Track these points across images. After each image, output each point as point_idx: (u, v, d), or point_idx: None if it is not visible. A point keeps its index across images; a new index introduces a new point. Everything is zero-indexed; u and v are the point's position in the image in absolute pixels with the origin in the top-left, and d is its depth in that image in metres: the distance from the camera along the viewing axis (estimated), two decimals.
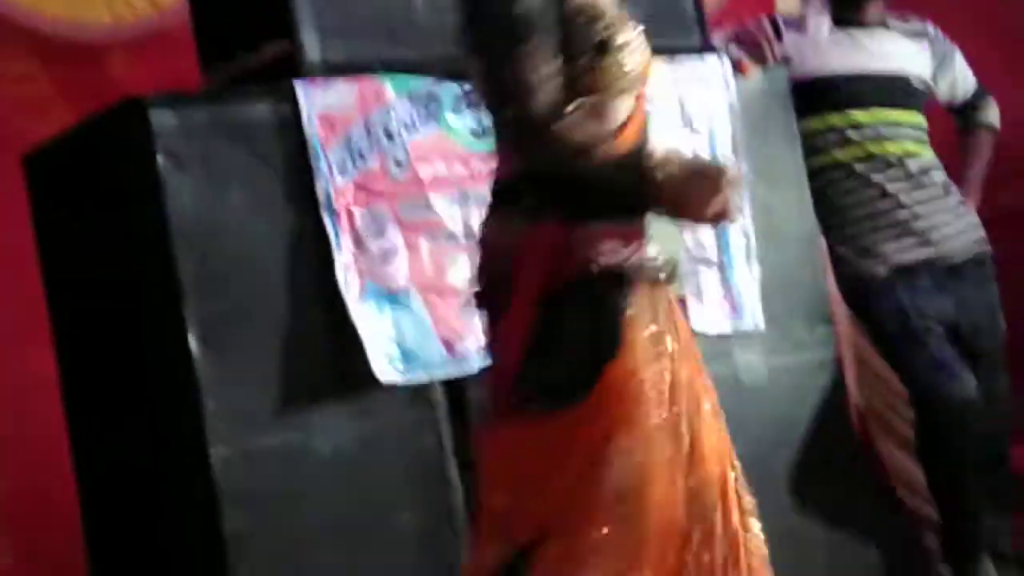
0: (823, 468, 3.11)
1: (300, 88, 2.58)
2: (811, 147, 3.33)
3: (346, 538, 2.61)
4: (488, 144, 2.49)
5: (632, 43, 2.13)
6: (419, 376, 2.61)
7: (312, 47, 2.65)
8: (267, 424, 2.56)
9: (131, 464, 2.85)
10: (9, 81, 3.57)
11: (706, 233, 3.02)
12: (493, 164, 2.30)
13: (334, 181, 2.59)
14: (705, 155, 3.02)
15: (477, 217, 2.64)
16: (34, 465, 3.56)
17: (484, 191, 2.48)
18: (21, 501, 3.67)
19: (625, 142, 2.13)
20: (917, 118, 3.49)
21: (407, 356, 2.61)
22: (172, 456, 2.65)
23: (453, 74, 2.68)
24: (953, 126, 3.81)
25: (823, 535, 3.11)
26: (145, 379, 2.71)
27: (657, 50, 2.40)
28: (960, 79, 3.69)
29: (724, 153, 3.07)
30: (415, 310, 2.63)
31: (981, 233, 3.49)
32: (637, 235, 2.09)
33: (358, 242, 2.62)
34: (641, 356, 2.03)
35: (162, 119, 2.54)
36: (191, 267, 2.53)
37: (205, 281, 2.54)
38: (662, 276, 2.12)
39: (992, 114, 3.72)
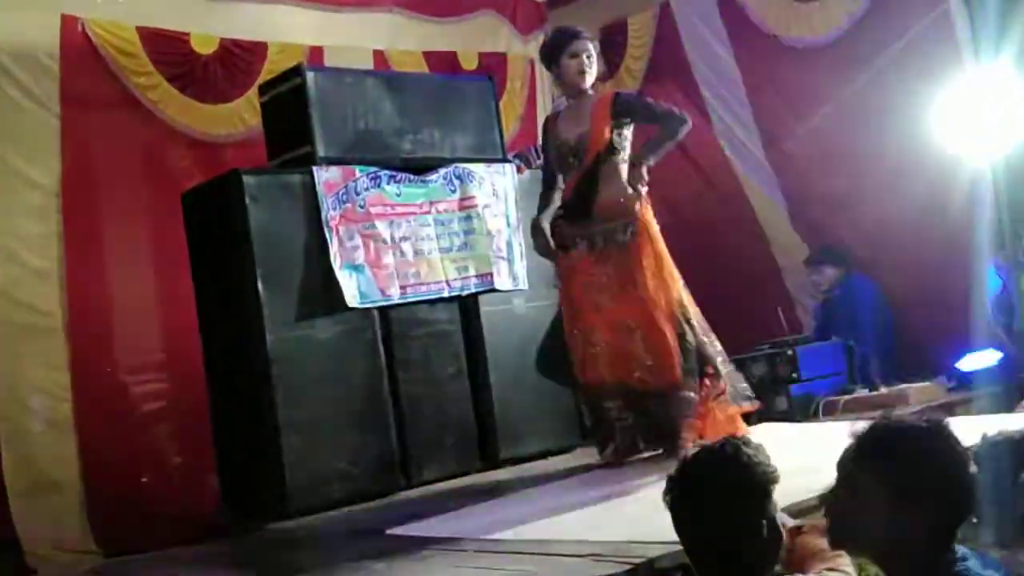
0: (549, 357, 5.53)
1: (315, 169, 5.17)
2: None
3: (330, 380, 5.08)
4: (402, 200, 5.18)
5: None
6: (367, 304, 5.21)
7: (321, 150, 5.25)
8: (294, 324, 5.02)
9: (230, 352, 5.17)
10: (176, 159, 5.85)
11: (502, 240, 5.62)
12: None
13: (330, 213, 5.16)
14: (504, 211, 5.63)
15: (397, 232, 5.30)
16: (187, 378, 5.50)
17: (401, 221, 5.19)
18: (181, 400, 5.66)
19: None
20: None
21: (361, 295, 5.20)
22: (250, 341, 5.00)
23: (387, 165, 5.35)
24: None
25: (553, 389, 5.58)
26: (240, 307, 5.02)
27: (481, 160, 5.11)
28: None
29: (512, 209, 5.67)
30: (366, 274, 5.23)
31: None
32: None
33: (340, 243, 5.18)
34: None
35: (249, 180, 5.03)
36: (261, 253, 4.96)
37: (266, 256, 4.97)
38: None
39: None
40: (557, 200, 5.01)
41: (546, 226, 4.93)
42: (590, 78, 4.95)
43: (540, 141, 5.36)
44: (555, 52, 4.98)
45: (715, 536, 2.20)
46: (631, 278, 4.75)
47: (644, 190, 4.82)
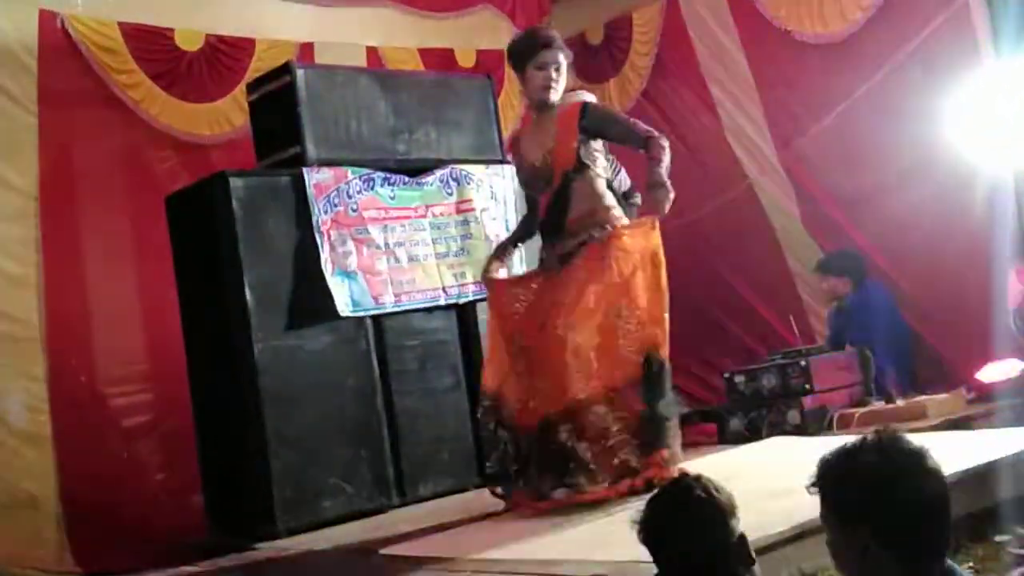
0: None
1: (305, 171, 5.06)
2: None
3: (320, 392, 4.97)
4: (396, 203, 5.06)
5: None
6: (359, 312, 5.10)
7: (311, 151, 5.14)
8: (283, 334, 4.91)
9: (216, 363, 5.05)
10: (159, 161, 5.78)
11: None
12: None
13: (320, 217, 5.04)
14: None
15: (391, 237, 5.20)
16: (171, 389, 5.38)
17: (395, 225, 5.08)
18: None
19: None
20: None
21: (354, 303, 5.09)
22: (237, 351, 4.89)
23: (380, 167, 5.24)
24: None
25: None
26: (226, 315, 4.93)
27: (479, 162, 5.00)
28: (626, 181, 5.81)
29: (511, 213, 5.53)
30: (359, 281, 5.12)
31: None
32: None
33: (332, 248, 5.06)
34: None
35: (236, 182, 4.91)
36: (249, 258, 4.85)
37: (254, 262, 4.86)
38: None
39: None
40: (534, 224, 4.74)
41: (505, 255, 4.80)
42: (555, 94, 4.57)
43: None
44: (521, 60, 4.61)
45: (688, 564, 2.38)
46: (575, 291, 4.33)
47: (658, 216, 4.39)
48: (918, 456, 2.08)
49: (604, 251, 4.35)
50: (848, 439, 2.17)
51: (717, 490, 2.39)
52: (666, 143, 4.46)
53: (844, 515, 2.08)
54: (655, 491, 2.59)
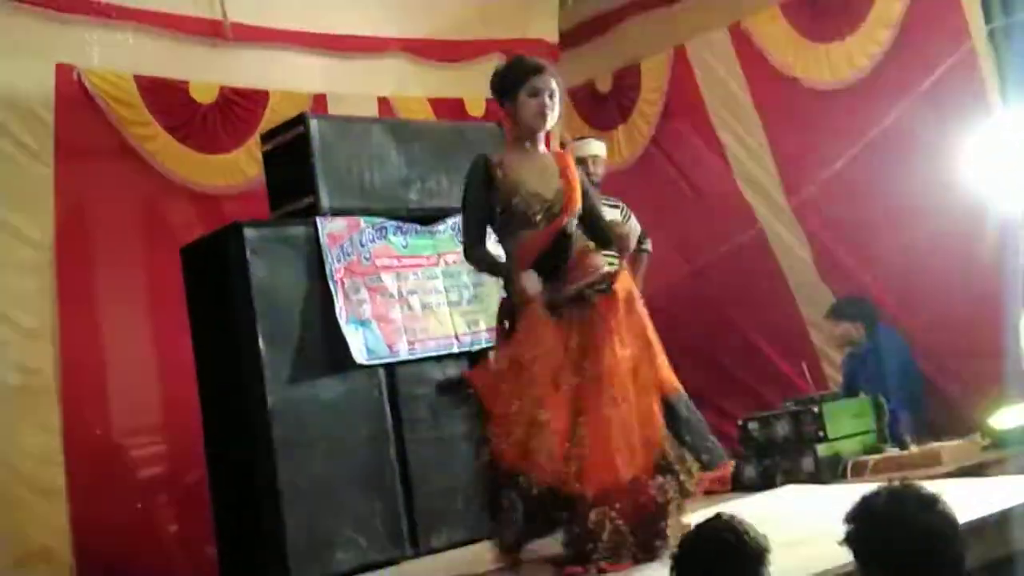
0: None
1: (319, 221, 5.06)
2: None
3: (334, 441, 4.92)
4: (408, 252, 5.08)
5: None
6: (374, 360, 5.08)
7: (324, 201, 5.14)
8: (297, 383, 4.86)
9: (229, 413, 5.03)
10: (174, 212, 5.86)
11: None
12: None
13: (334, 266, 5.04)
14: None
15: (404, 285, 5.23)
16: (186, 440, 5.38)
17: (408, 273, 5.10)
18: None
19: None
20: None
21: (369, 351, 5.07)
22: (250, 401, 4.85)
23: (393, 215, 5.28)
24: None
25: None
26: (240, 364, 4.90)
27: None
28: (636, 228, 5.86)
29: None
30: (373, 329, 5.11)
31: None
32: None
33: (346, 297, 5.05)
34: None
35: (250, 233, 4.90)
36: (262, 308, 4.84)
37: (267, 312, 4.85)
38: None
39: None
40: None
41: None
42: (550, 122, 4.33)
43: (471, 189, 4.40)
44: (511, 87, 4.32)
45: None
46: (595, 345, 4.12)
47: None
48: (930, 501, 2.18)
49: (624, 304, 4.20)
50: (863, 487, 2.23)
51: (750, 533, 2.43)
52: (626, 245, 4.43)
53: (861, 557, 2.20)
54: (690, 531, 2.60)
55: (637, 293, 4.32)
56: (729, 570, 2.40)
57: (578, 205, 4.30)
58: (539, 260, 4.22)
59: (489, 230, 4.39)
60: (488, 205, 4.33)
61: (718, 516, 2.54)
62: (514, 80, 4.33)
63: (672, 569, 2.50)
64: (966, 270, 5.63)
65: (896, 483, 2.28)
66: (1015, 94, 5.50)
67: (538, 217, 4.26)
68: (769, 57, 6.49)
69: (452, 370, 5.45)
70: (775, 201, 6.65)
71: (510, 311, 4.31)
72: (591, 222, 4.38)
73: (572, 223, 4.30)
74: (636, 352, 4.16)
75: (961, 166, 5.55)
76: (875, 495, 2.28)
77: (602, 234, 4.40)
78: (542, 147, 4.41)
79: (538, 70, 4.30)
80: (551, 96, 4.29)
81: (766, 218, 6.70)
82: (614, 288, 4.21)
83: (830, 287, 6.43)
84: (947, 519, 2.17)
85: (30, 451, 5.14)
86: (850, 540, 2.28)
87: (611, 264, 4.35)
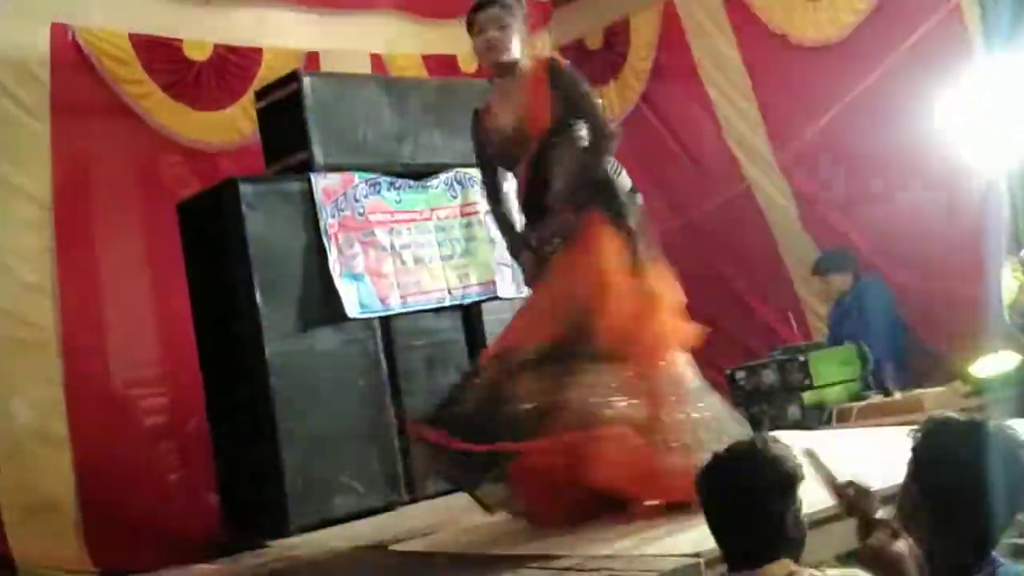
0: None
1: (313, 176, 5.12)
2: None
3: (331, 392, 5.02)
4: (402, 207, 5.12)
5: None
6: (366, 314, 5.16)
7: (319, 156, 5.20)
8: (294, 336, 4.97)
9: (228, 365, 5.13)
10: (170, 167, 5.87)
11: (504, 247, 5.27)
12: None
13: (328, 221, 5.10)
14: None
15: (397, 240, 5.27)
16: (185, 391, 5.48)
17: (401, 228, 5.13)
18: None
19: None
20: None
21: (361, 305, 5.15)
22: (248, 353, 4.95)
23: (386, 171, 5.32)
24: None
25: None
26: (238, 317, 4.99)
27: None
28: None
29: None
30: (366, 283, 5.18)
31: None
32: None
33: (339, 251, 5.12)
34: None
35: (246, 188, 4.97)
36: (259, 262, 4.91)
37: (263, 266, 4.92)
38: None
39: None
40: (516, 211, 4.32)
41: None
42: (507, 53, 4.08)
43: (473, 145, 4.42)
44: (469, 31, 4.20)
45: (739, 527, 2.37)
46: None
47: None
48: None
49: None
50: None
51: (784, 454, 2.36)
52: (611, 146, 4.08)
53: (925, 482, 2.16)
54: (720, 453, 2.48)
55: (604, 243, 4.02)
56: (769, 490, 2.32)
57: (544, 125, 4.03)
58: (525, 200, 4.16)
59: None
60: (486, 157, 4.34)
61: (751, 440, 2.51)
62: (468, 25, 4.21)
63: (700, 484, 2.44)
64: (948, 223, 5.68)
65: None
66: (999, 49, 5.52)
67: (515, 152, 4.13)
68: (758, 14, 6.50)
69: (446, 323, 5.56)
70: (762, 156, 6.68)
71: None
72: (582, 123, 4.04)
73: (556, 144, 4.02)
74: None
75: (945, 121, 5.59)
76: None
77: (592, 134, 4.03)
78: (516, 74, 4.16)
79: (478, 7, 4.15)
80: (500, 28, 4.09)
81: (753, 173, 6.73)
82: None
83: (815, 240, 6.48)
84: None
85: (34, 402, 5.22)
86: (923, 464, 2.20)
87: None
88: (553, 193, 4.02)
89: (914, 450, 2.25)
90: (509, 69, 4.15)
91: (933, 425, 2.26)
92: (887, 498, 2.69)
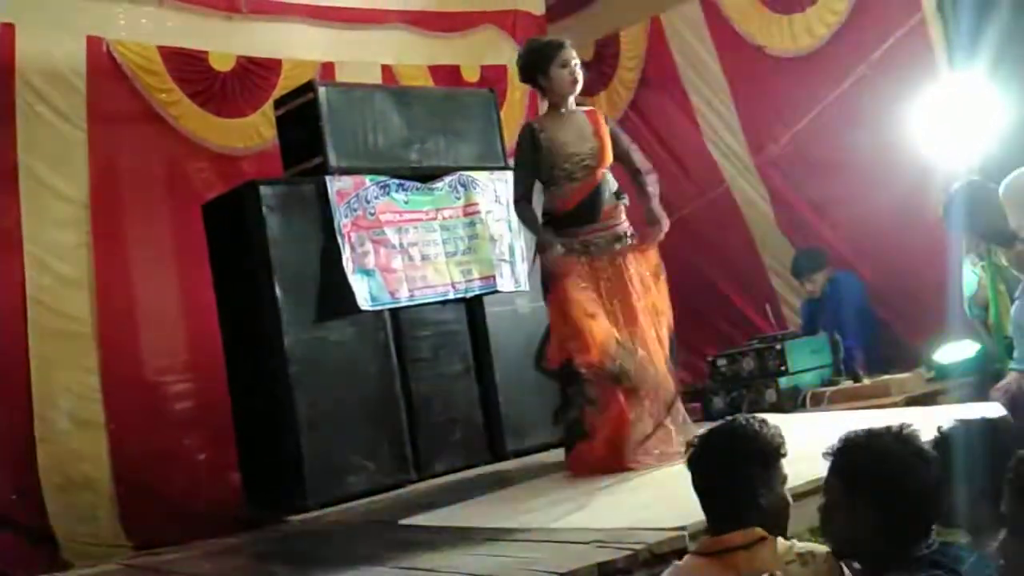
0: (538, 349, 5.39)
1: (328, 179, 5.15)
2: None
3: (345, 379, 5.07)
4: (409, 207, 5.15)
5: None
6: (377, 306, 5.19)
7: (333, 161, 5.22)
8: (310, 326, 5.01)
9: (250, 354, 5.17)
10: (196, 171, 5.91)
11: (504, 244, 5.57)
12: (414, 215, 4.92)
13: (342, 220, 5.13)
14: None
15: (405, 238, 5.29)
16: (211, 378, 5.48)
17: (409, 227, 5.16)
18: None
19: None
20: None
21: (372, 298, 5.18)
22: (269, 343, 4.98)
23: (395, 174, 5.34)
24: None
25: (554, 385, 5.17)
26: (259, 310, 5.03)
27: (483, 168, 5.08)
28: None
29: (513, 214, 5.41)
30: (377, 278, 5.21)
31: None
32: None
33: (352, 248, 5.15)
34: None
35: (266, 190, 5.02)
36: (277, 259, 4.95)
37: (282, 262, 4.96)
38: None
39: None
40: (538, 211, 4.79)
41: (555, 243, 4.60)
42: (579, 86, 4.72)
43: (521, 152, 4.82)
44: (543, 63, 4.68)
45: (723, 498, 2.39)
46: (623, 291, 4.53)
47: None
48: (926, 452, 2.23)
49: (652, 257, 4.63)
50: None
51: (766, 428, 2.38)
52: (656, 177, 4.73)
53: (852, 484, 2.19)
54: (707, 430, 2.55)
55: (662, 271, 4.66)
56: (744, 461, 2.35)
57: (610, 157, 4.66)
58: (578, 207, 4.64)
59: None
60: (536, 166, 4.74)
61: (734, 417, 2.52)
62: (546, 56, 4.67)
63: (690, 462, 2.46)
64: (914, 222, 5.69)
65: (900, 427, 2.24)
66: (961, 61, 5.54)
67: (577, 173, 4.65)
68: (736, 27, 6.51)
69: (450, 314, 5.60)
70: (741, 160, 6.70)
71: (545, 278, 4.71)
72: (627, 161, 4.79)
73: (607, 175, 4.68)
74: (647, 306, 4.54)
75: (911, 127, 5.61)
76: (883, 435, 2.24)
77: (634, 167, 4.79)
78: (573, 107, 4.73)
79: (562, 45, 4.69)
80: (577, 65, 4.69)
81: (733, 176, 6.74)
82: (642, 247, 4.63)
83: (789, 238, 6.50)
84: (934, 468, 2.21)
85: (71, 389, 5.26)
86: (846, 467, 2.24)
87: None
88: (649, 208, 4.67)
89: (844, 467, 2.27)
90: (567, 106, 4.71)
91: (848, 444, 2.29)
92: None
